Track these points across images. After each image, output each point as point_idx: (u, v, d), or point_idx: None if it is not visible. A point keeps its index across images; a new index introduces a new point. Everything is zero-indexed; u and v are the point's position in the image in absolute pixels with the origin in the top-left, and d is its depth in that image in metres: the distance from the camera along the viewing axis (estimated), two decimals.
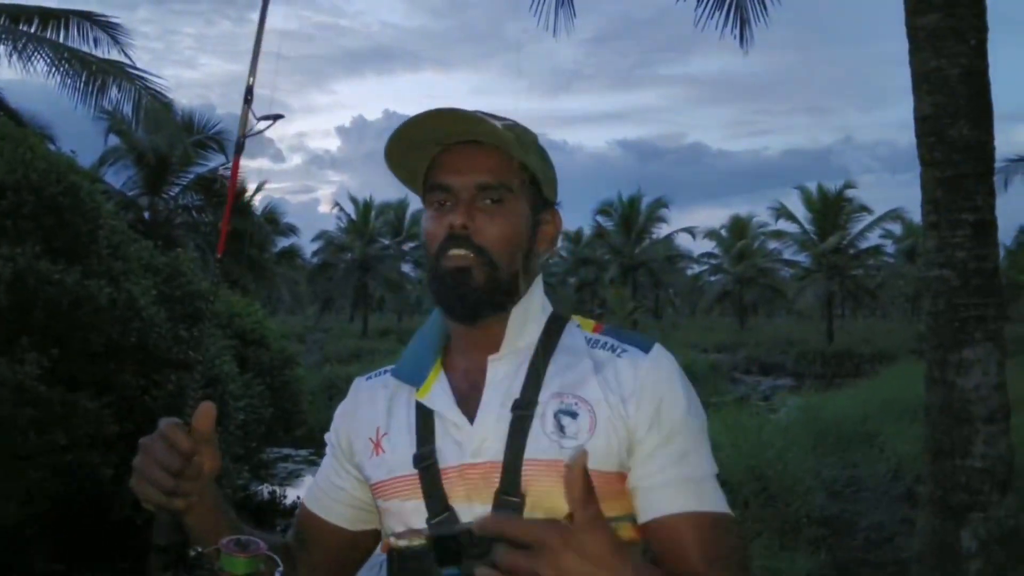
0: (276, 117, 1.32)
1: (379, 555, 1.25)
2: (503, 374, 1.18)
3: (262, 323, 10.72)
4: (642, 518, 1.11)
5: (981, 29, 4.31)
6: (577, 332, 1.23)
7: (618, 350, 1.19)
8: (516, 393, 1.16)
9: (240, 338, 9.74)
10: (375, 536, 1.30)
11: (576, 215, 39.21)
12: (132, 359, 7.31)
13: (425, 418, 1.20)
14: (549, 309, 1.26)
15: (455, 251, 1.16)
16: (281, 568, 1.14)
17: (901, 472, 8.02)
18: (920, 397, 4.73)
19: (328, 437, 1.33)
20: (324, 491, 1.30)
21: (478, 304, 1.18)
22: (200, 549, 1.08)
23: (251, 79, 1.26)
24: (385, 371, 1.33)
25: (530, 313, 1.23)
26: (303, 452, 12.72)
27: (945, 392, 4.02)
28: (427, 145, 1.21)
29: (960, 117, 4.15)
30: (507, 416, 1.14)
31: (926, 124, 4.28)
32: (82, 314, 6.98)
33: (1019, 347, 22.86)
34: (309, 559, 1.24)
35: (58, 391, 6.53)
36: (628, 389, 1.14)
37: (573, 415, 1.13)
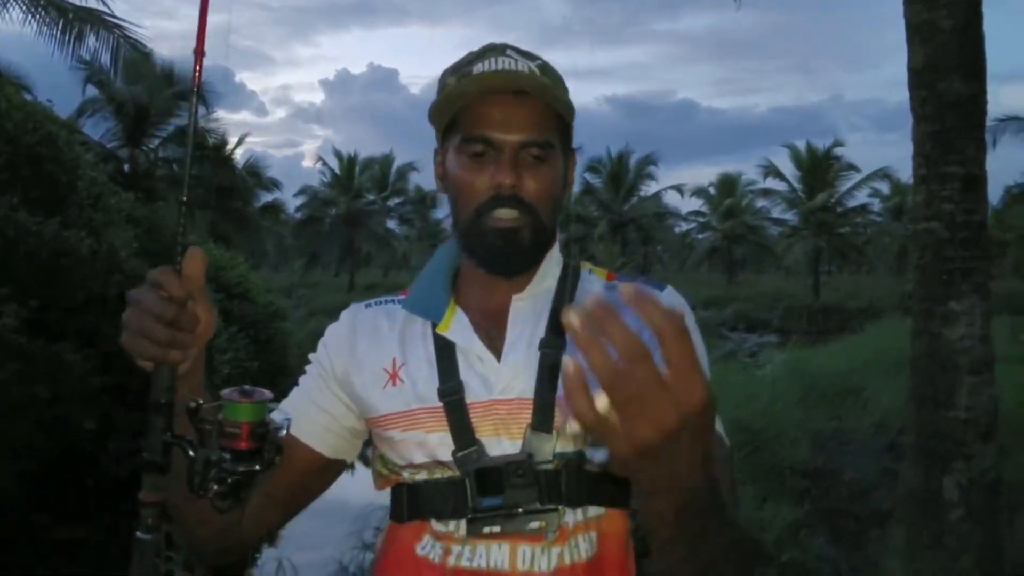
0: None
1: (369, 505, 1.21)
2: (526, 314, 1.20)
3: (246, 276, 10.66)
4: None
5: None
6: (594, 279, 1.26)
7: (624, 282, 1.19)
8: (541, 332, 1.17)
9: (224, 291, 9.68)
10: (339, 470, 1.26)
11: None
12: (114, 311, 7.24)
13: (446, 352, 1.18)
14: (562, 258, 1.27)
15: (504, 211, 1.14)
16: (290, 416, 1.12)
17: (885, 425, 8.10)
18: (905, 352, 4.75)
19: (316, 358, 1.27)
20: (304, 412, 1.23)
21: (525, 260, 1.19)
22: (200, 401, 0.99)
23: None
24: (387, 300, 1.30)
25: (554, 257, 1.25)
26: None
27: (931, 343, 4.02)
28: (471, 91, 1.16)
29: (952, 71, 4.11)
30: (535, 354, 1.15)
31: (918, 77, 4.23)
32: (63, 266, 6.90)
33: (1004, 304, 23.09)
34: (269, 480, 1.15)
35: (40, 344, 6.47)
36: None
37: None
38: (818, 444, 7.57)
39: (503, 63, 1.15)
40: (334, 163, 39.12)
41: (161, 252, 8.40)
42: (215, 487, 0.97)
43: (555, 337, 1.15)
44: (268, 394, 1.01)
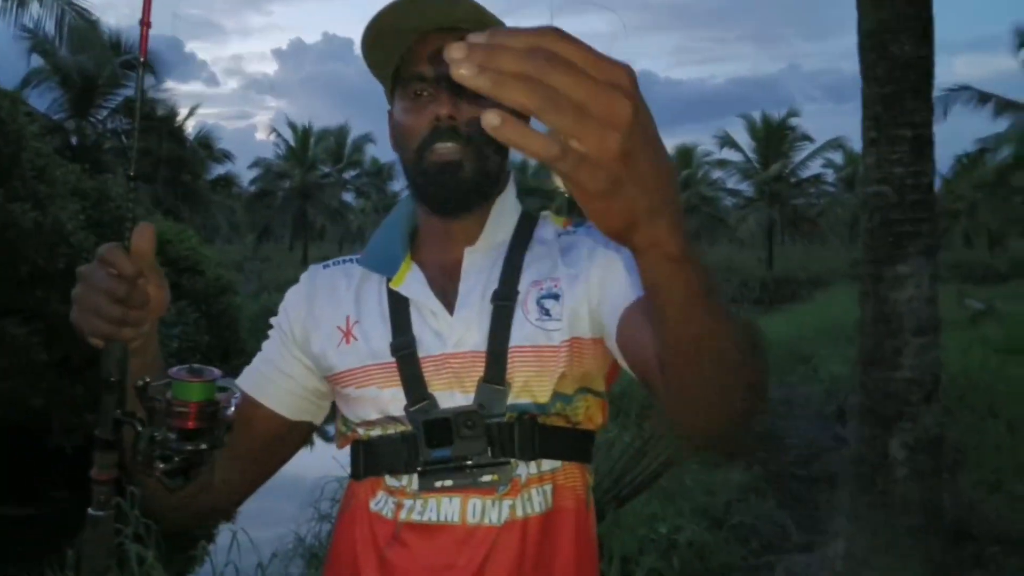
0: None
1: (325, 479, 1.20)
2: (480, 266, 1.18)
3: (196, 249, 10.49)
4: (614, 323, 1.08)
5: None
6: (549, 226, 1.23)
7: (580, 228, 1.21)
8: (495, 284, 1.15)
9: (172, 265, 9.52)
10: (306, 432, 1.26)
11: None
12: (60, 285, 7.10)
13: (399, 307, 1.17)
14: (519, 207, 1.25)
15: (442, 144, 1.12)
16: (238, 395, 1.10)
17: (833, 392, 8.27)
18: (853, 320, 4.81)
19: (276, 321, 1.27)
20: (266, 375, 1.24)
21: (468, 197, 1.16)
22: (147, 380, 0.98)
23: None
24: (346, 260, 1.29)
25: (507, 207, 1.22)
26: None
27: (878, 305, 4.08)
28: (401, 34, 1.15)
29: (902, 32, 4.14)
30: (487, 307, 1.13)
31: (869, 39, 4.27)
32: (7, 239, 6.73)
33: (953, 273, 23.65)
34: (233, 445, 1.13)
35: None
36: (587, 248, 1.16)
37: (555, 296, 1.13)
38: (768, 410, 7.70)
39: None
40: (288, 135, 38.65)
41: (109, 224, 8.23)
42: (161, 465, 0.97)
43: (508, 288, 1.14)
44: (217, 372, 1.00)
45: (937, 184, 4.69)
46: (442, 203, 1.17)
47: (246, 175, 38.46)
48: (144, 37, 1.05)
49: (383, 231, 1.26)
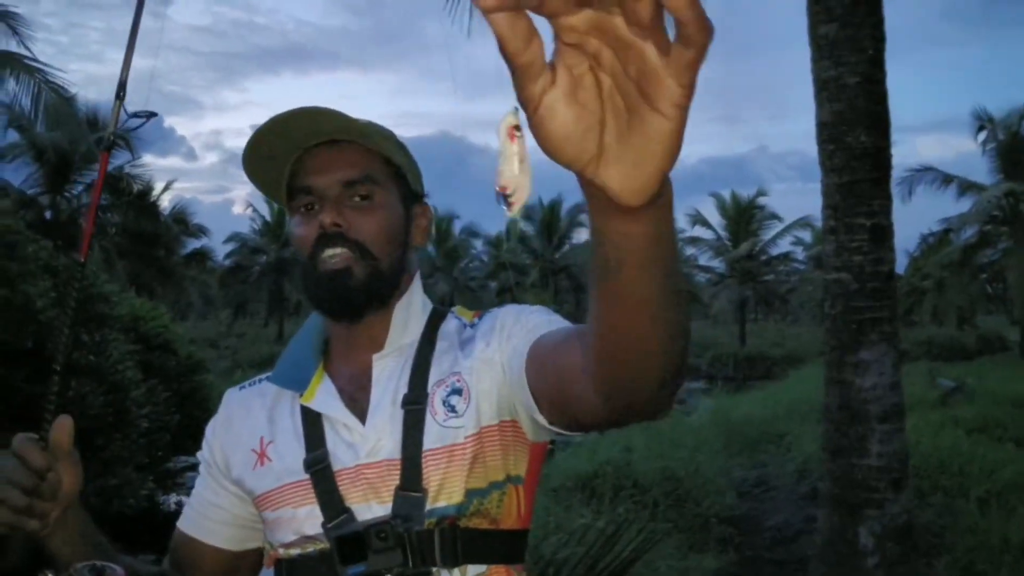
0: (150, 115, 1.26)
1: (265, 571, 1.21)
2: (389, 372, 1.18)
3: (168, 327, 10.39)
4: (522, 363, 1.06)
5: (879, 39, 4.46)
6: (454, 320, 1.23)
7: (486, 316, 1.21)
8: (404, 389, 1.15)
9: (144, 343, 9.41)
10: (259, 556, 1.25)
11: (496, 219, 39.36)
12: (27, 364, 7.00)
13: (312, 422, 1.17)
14: (430, 306, 1.25)
15: (330, 251, 1.13)
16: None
17: (807, 471, 8.23)
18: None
19: (201, 455, 1.28)
20: (201, 512, 1.25)
21: (362, 301, 1.16)
22: (50, 574, 1.03)
23: (124, 73, 1.21)
24: (260, 380, 1.30)
25: (412, 309, 1.22)
26: None
27: (843, 392, 4.13)
28: (286, 152, 1.17)
29: (858, 124, 4.28)
30: (399, 413, 1.13)
31: (826, 131, 4.41)
32: None
33: (923, 350, 23.86)
34: None
35: None
36: (483, 330, 1.17)
37: (458, 392, 1.13)
38: (742, 491, 7.66)
39: (308, 113, 1.14)
40: (265, 210, 38.70)
41: (82, 301, 8.15)
42: None
43: (417, 392, 1.14)
44: (121, 572, 1.03)
45: (904, 262, 4.80)
46: (336, 309, 1.17)
47: (222, 249, 38.38)
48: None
49: (293, 346, 1.27)
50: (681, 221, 40.71)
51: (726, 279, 36.85)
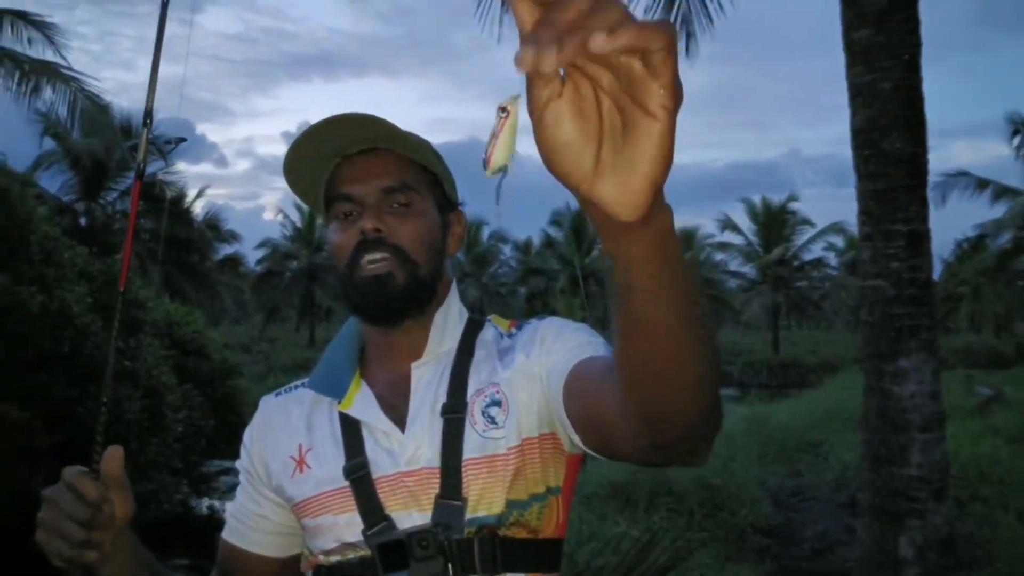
0: (179, 141, 1.26)
1: None
2: (427, 380, 1.18)
3: (202, 332, 10.50)
4: (560, 385, 1.07)
5: (914, 44, 4.39)
6: (492, 329, 1.24)
7: (525, 326, 1.21)
8: (443, 397, 1.14)
9: (179, 348, 9.52)
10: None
11: (526, 225, 39.37)
12: (65, 369, 7.09)
13: (351, 429, 1.17)
14: (466, 315, 1.26)
15: (371, 256, 1.14)
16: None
17: (844, 480, 8.12)
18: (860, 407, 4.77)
19: (240, 464, 1.28)
20: (243, 522, 1.25)
21: (403, 306, 1.16)
22: None
23: (150, 101, 1.20)
24: (296, 386, 1.30)
25: (450, 318, 1.22)
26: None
27: (882, 400, 4.06)
28: (325, 159, 1.19)
29: (893, 130, 4.22)
30: (438, 422, 1.13)
31: (861, 137, 4.34)
32: (12, 322, 6.74)
33: (959, 358, 23.50)
34: None
35: None
36: (522, 341, 1.17)
37: (498, 403, 1.13)
38: (779, 501, 7.56)
39: (349, 119, 1.15)
40: (295, 216, 39.02)
41: (114, 307, 8.25)
42: None
43: (456, 401, 1.14)
44: None
45: (939, 268, 4.73)
46: (376, 314, 1.17)
47: (253, 255, 38.73)
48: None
49: (330, 353, 1.27)
50: (710, 226, 40.45)
51: (757, 285, 36.55)
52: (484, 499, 1.08)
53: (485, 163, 0.60)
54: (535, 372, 1.12)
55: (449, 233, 1.23)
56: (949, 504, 4.04)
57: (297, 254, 38.16)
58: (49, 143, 18.69)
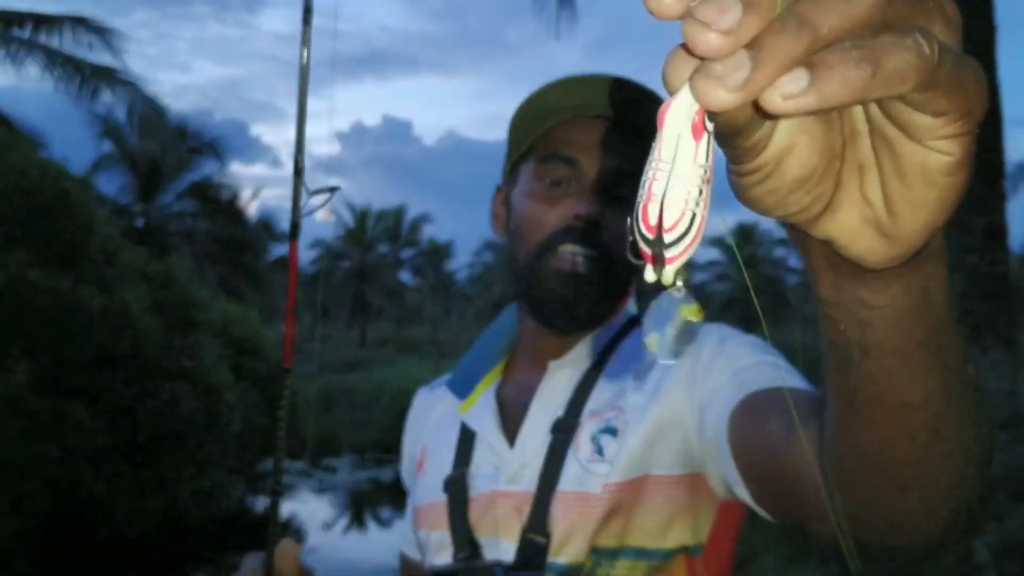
0: (332, 191, 1.06)
1: None
2: (557, 385, 1.01)
3: (258, 331, 10.61)
4: (722, 426, 0.83)
5: (989, 28, 4.23)
6: (637, 336, 1.03)
7: None
8: (561, 410, 0.98)
9: (235, 347, 9.63)
10: None
11: None
12: (125, 368, 7.21)
13: (466, 435, 1.06)
14: (630, 313, 1.09)
15: (575, 248, 0.95)
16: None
17: None
18: None
19: (402, 454, 1.22)
20: (408, 522, 1.16)
21: (591, 318, 1.00)
22: None
23: (299, 157, 1.00)
24: (445, 380, 1.21)
25: (620, 320, 1.07)
26: (299, 464, 12.60)
27: None
28: (555, 112, 1.00)
29: None
30: (548, 439, 0.97)
31: None
32: (73, 322, 6.87)
33: None
34: None
35: (49, 401, 6.42)
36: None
37: (612, 432, 0.94)
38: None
39: (599, 83, 1.00)
40: (347, 216, 39.43)
41: (174, 307, 8.37)
42: None
43: (571, 418, 0.97)
44: None
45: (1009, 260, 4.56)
46: (558, 318, 1.00)
47: (306, 255, 39.21)
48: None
49: (478, 345, 1.15)
50: (770, 221, 39.91)
51: None
52: (568, 543, 0.92)
53: (653, 244, 0.33)
54: (682, 401, 0.91)
55: None
56: None
57: (348, 254, 38.54)
58: (107, 145, 19.12)
